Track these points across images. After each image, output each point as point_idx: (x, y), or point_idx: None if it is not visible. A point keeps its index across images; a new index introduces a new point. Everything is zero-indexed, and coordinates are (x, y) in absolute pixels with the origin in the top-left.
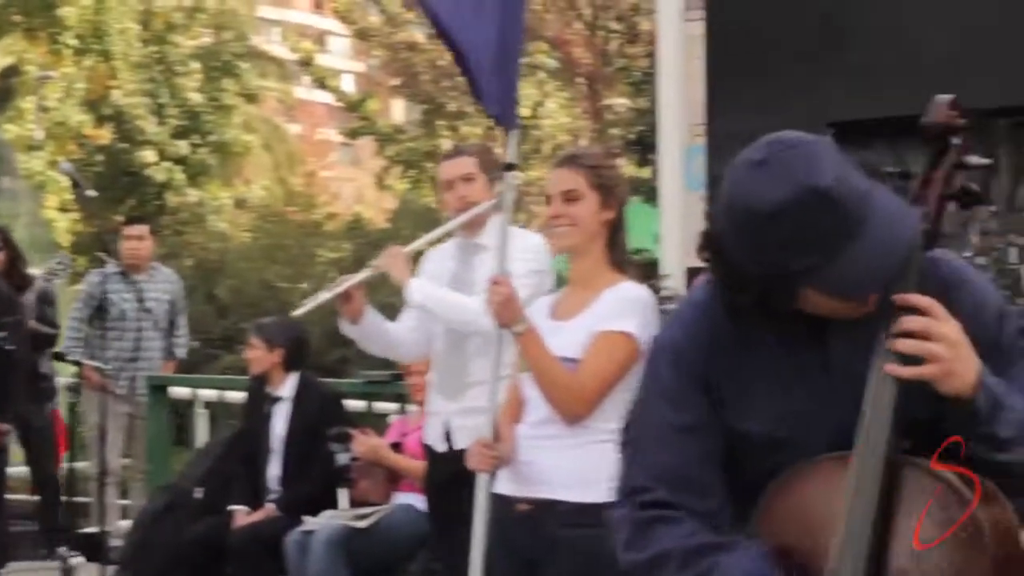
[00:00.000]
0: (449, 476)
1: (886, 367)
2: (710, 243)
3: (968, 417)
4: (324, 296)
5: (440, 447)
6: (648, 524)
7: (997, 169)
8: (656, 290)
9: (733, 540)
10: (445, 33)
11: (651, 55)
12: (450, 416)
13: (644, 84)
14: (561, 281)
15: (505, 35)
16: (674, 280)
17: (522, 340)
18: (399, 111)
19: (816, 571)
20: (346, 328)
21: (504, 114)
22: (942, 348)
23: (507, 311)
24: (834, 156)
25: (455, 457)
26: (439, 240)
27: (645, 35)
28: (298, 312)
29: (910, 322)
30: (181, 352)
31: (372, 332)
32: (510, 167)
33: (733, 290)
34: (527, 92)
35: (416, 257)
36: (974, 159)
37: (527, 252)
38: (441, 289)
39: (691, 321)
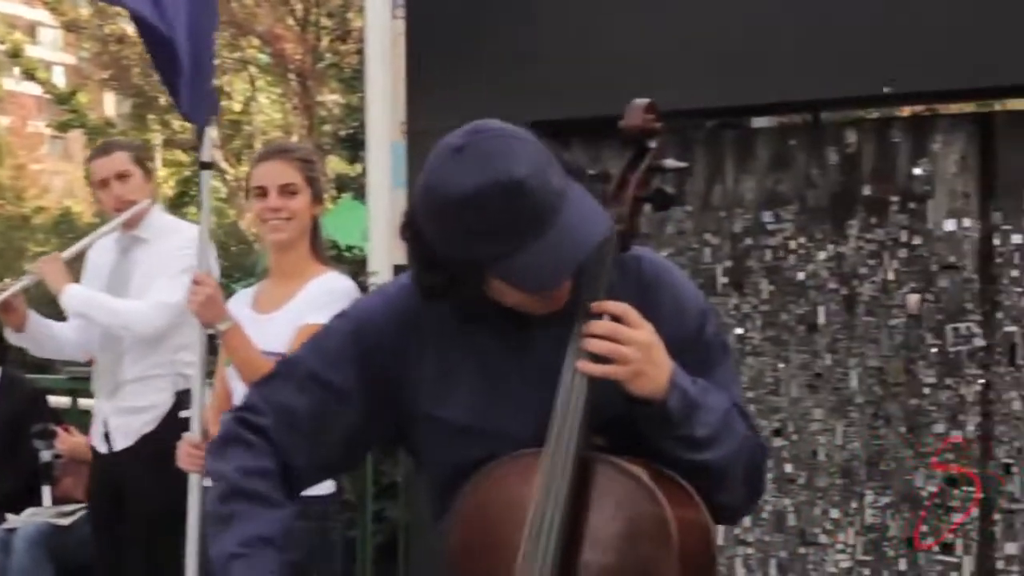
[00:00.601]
0: (108, 478)
1: (577, 364)
2: (408, 224)
3: (661, 419)
4: None
5: (101, 448)
6: (233, 440)
7: (693, 170)
8: (364, 287)
9: (279, 501)
10: (153, 28)
11: (361, 52)
12: (107, 416)
13: (355, 81)
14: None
15: (196, 29)
16: (382, 277)
17: (227, 337)
18: (110, 104)
19: (507, 566)
20: (12, 337)
21: (195, 111)
22: (631, 351)
23: (210, 309)
24: (534, 149)
25: (114, 459)
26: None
27: (356, 32)
28: None
29: (598, 326)
30: None
31: (38, 337)
32: (205, 165)
33: (424, 271)
34: (238, 87)
35: (76, 262)
36: (670, 162)
37: (187, 246)
38: (99, 295)
39: (391, 297)
